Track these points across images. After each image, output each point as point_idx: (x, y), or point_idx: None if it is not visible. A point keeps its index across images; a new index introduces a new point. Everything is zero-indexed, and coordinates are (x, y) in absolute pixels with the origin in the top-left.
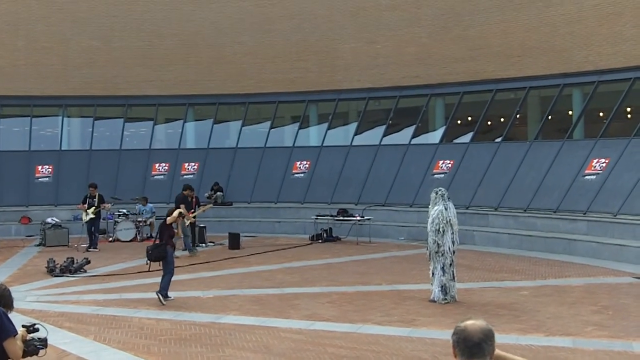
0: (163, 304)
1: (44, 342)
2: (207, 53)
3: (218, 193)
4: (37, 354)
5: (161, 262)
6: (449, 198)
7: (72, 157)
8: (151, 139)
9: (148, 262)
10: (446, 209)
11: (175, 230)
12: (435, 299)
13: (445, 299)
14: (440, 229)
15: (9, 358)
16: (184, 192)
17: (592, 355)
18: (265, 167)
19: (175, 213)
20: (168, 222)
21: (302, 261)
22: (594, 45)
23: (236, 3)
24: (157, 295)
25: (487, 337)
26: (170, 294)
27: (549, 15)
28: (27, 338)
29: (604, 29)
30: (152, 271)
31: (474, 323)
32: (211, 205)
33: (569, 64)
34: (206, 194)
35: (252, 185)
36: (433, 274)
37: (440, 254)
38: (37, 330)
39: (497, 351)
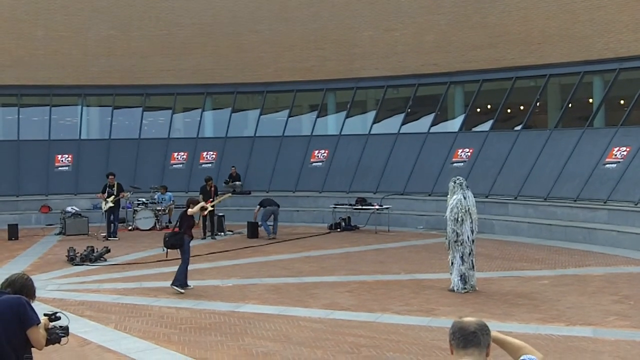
0: (181, 292)
1: (65, 331)
2: (225, 42)
3: (237, 182)
4: (59, 342)
5: (179, 251)
6: (467, 187)
7: (91, 146)
8: (169, 128)
9: (164, 249)
10: (465, 198)
11: (196, 221)
12: (455, 289)
13: (465, 288)
14: (459, 218)
15: (32, 347)
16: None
17: (613, 345)
18: (283, 156)
19: (198, 207)
20: (189, 214)
21: (320, 250)
22: (614, 32)
23: None
24: (173, 287)
25: (482, 328)
26: (190, 282)
27: (569, 2)
28: (49, 326)
29: (625, 16)
30: (170, 259)
31: (470, 318)
32: (229, 194)
33: (590, 51)
34: (224, 182)
35: (271, 174)
36: (452, 263)
37: (459, 243)
38: (59, 318)
39: (496, 333)
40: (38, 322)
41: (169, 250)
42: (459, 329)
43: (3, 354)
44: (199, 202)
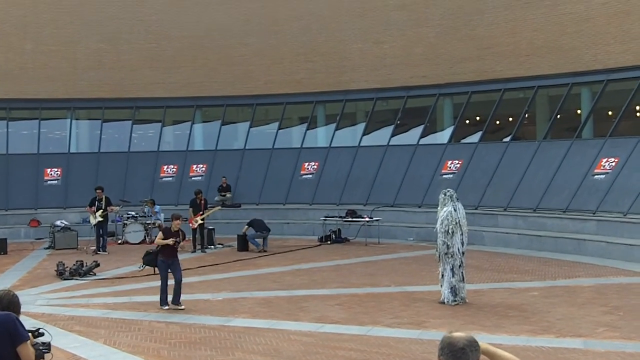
0: (165, 308)
1: (47, 347)
2: (215, 55)
3: (227, 194)
4: (42, 359)
5: None
6: (457, 199)
7: (80, 159)
8: (159, 141)
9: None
10: (455, 210)
11: (180, 242)
12: (445, 301)
13: (455, 301)
14: (450, 230)
15: None
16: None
17: (603, 356)
18: (273, 169)
19: (161, 242)
20: (155, 243)
21: (310, 263)
22: (602, 44)
23: (243, 5)
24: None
25: (471, 345)
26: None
27: (557, 14)
28: (32, 342)
29: (613, 28)
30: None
31: (459, 333)
32: (219, 207)
33: (578, 62)
34: (216, 198)
35: (261, 186)
36: (442, 275)
37: (449, 256)
38: (42, 334)
39: (486, 346)
40: (28, 338)
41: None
42: (448, 345)
43: None
44: (179, 218)
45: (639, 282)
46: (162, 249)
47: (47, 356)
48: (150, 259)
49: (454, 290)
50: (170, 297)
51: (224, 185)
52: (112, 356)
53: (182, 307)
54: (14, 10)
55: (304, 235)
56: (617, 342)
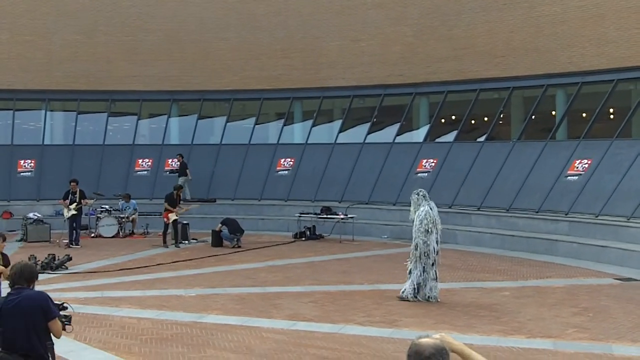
0: None
1: (69, 320)
2: (192, 49)
3: (187, 177)
4: (64, 330)
5: None
6: (430, 198)
7: (54, 151)
8: (135, 135)
9: None
10: (431, 209)
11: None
12: (405, 296)
13: (416, 298)
14: (429, 229)
15: (51, 336)
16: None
17: (572, 357)
18: (249, 164)
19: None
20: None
21: (285, 259)
22: (577, 47)
23: None
24: None
25: (438, 353)
26: (151, 292)
27: (533, 16)
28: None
29: (588, 31)
30: (134, 268)
31: (427, 340)
32: (197, 205)
33: (553, 64)
34: (181, 180)
35: (236, 182)
36: (410, 271)
37: (426, 255)
38: (65, 308)
39: (461, 347)
40: (58, 314)
41: None
42: (415, 353)
43: (32, 342)
44: None
45: (609, 284)
46: None
47: (68, 328)
48: None
49: (417, 288)
50: None
51: (180, 162)
52: (82, 352)
53: None
54: None
55: (279, 231)
56: (585, 343)
